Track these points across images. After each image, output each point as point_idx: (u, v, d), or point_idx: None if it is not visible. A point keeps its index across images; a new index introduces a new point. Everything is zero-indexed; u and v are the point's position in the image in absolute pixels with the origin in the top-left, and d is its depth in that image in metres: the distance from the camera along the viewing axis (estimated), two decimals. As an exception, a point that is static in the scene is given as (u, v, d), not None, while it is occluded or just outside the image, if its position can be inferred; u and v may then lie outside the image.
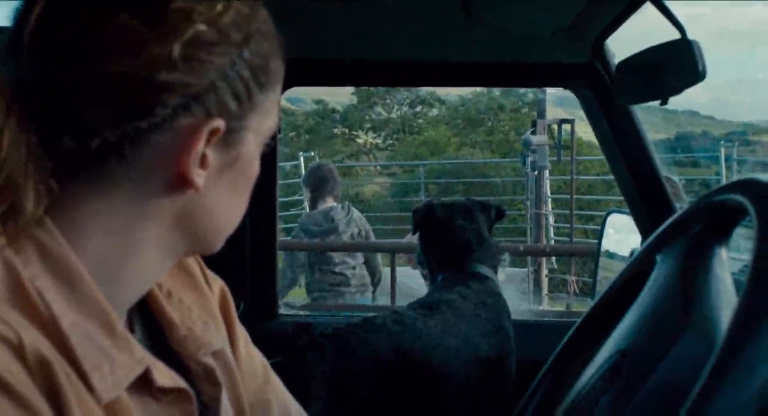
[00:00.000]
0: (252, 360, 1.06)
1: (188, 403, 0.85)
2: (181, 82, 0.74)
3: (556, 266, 10.69)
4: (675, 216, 1.10)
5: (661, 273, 1.06)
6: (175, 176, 0.78)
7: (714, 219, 1.03)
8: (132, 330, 0.89)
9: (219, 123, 0.77)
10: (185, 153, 0.77)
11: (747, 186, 0.92)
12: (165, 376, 0.82)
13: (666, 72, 1.47)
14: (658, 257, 1.09)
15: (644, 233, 2.08)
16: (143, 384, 0.79)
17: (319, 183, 5.42)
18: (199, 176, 0.79)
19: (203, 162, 0.79)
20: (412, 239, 2.70)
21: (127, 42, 0.73)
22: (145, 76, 0.73)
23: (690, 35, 1.45)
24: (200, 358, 0.92)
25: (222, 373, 0.95)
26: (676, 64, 1.44)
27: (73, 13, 0.73)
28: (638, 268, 1.15)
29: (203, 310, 0.97)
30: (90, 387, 0.72)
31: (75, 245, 0.76)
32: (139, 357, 0.78)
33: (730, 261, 1.04)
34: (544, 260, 9.70)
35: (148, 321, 0.91)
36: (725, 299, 0.96)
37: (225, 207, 0.86)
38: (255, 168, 0.88)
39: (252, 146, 0.85)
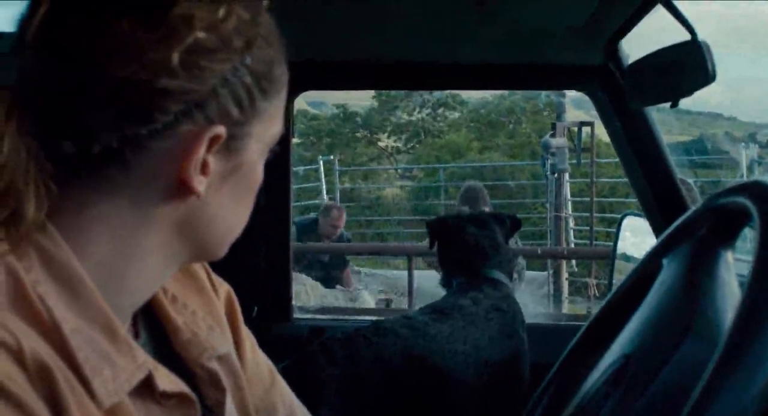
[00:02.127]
0: (258, 364, 1.06)
1: (191, 408, 0.84)
2: (182, 89, 0.74)
3: (576, 270, 10.62)
4: (681, 219, 1.09)
5: (667, 277, 1.06)
6: (176, 183, 0.78)
7: (719, 222, 1.02)
8: (137, 335, 0.89)
9: (220, 130, 0.77)
10: (186, 159, 0.77)
11: (751, 189, 0.91)
12: (168, 381, 0.82)
13: (676, 74, 1.46)
14: (664, 261, 1.08)
15: (659, 235, 2.07)
16: (146, 389, 0.79)
17: (468, 202, 6.37)
18: (200, 183, 0.78)
19: (204, 169, 0.78)
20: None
21: (128, 47, 0.73)
22: (145, 82, 0.73)
23: (705, 33, 1.44)
24: (204, 362, 0.92)
25: (227, 377, 0.95)
26: (685, 66, 1.42)
27: (76, 18, 0.74)
28: (645, 271, 1.14)
29: (208, 314, 0.97)
30: (91, 393, 0.72)
31: (77, 250, 0.76)
32: (141, 361, 0.78)
33: (742, 263, 1.03)
34: (563, 263, 9.65)
35: (153, 325, 0.92)
36: (730, 303, 0.95)
37: (228, 214, 0.85)
38: (258, 175, 0.87)
39: (255, 153, 0.84)
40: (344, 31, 2.02)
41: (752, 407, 0.68)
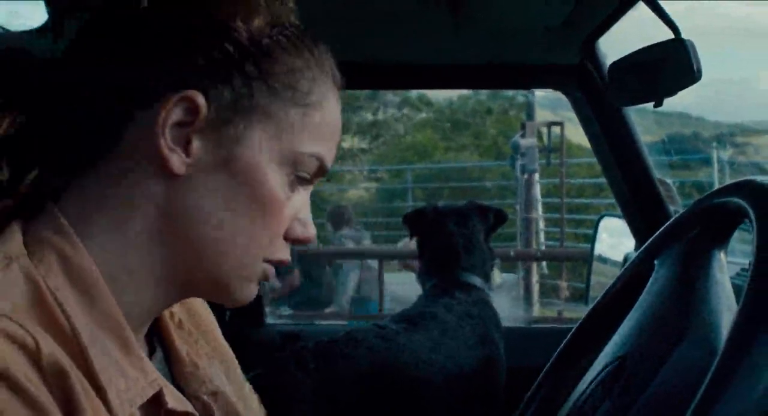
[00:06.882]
0: (253, 400, 1.04)
1: None
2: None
3: (546, 272, 10.63)
4: (673, 219, 1.08)
5: (660, 277, 1.05)
6: (156, 159, 0.76)
7: (712, 222, 1.02)
8: (153, 349, 0.88)
9: (194, 95, 0.75)
10: (159, 125, 0.75)
11: (745, 188, 0.91)
12: (175, 399, 0.80)
13: (660, 73, 1.44)
14: (657, 262, 1.08)
15: (638, 237, 2.07)
16: (154, 404, 0.77)
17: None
18: (179, 162, 0.76)
19: (187, 147, 0.76)
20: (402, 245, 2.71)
21: None
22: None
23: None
24: (201, 395, 0.90)
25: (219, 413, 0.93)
26: (670, 65, 1.41)
27: None
28: (636, 272, 1.13)
29: (210, 346, 0.96)
30: (107, 403, 0.70)
31: (85, 243, 0.76)
32: (152, 377, 0.77)
33: (730, 265, 1.03)
34: (534, 265, 9.67)
35: (162, 347, 0.90)
36: (725, 304, 0.94)
37: (218, 219, 0.78)
38: (267, 191, 0.79)
39: (260, 157, 0.78)
40: (319, 32, 1.99)
41: (752, 412, 0.68)
